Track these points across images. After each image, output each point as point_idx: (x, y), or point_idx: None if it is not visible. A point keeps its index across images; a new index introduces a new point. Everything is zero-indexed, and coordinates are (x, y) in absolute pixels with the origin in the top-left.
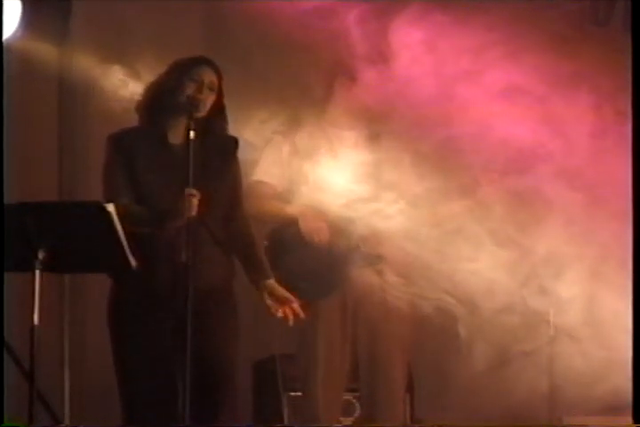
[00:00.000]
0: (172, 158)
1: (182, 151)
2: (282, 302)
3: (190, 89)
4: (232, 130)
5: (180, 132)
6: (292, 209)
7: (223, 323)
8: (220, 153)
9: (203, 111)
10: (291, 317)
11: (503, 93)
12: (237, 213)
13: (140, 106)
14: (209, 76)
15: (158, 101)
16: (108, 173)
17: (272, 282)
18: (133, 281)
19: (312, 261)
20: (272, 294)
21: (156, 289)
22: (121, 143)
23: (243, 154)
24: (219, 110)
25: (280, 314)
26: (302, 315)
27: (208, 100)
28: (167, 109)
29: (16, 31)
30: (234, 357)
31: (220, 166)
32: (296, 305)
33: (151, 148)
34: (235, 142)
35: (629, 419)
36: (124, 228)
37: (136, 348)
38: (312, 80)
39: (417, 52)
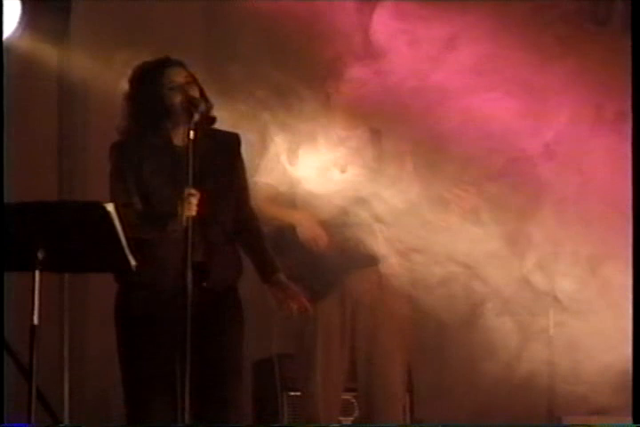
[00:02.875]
0: (177, 160)
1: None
2: (291, 296)
3: (175, 93)
4: (231, 128)
5: (183, 134)
6: (289, 217)
7: (229, 322)
8: (223, 150)
9: (202, 108)
10: (299, 310)
11: (501, 86)
12: (245, 209)
13: (127, 116)
14: (181, 76)
15: (146, 111)
16: (115, 180)
17: (282, 276)
18: (140, 282)
19: (310, 262)
20: (282, 289)
21: (162, 290)
22: (125, 151)
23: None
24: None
25: (289, 308)
26: (310, 309)
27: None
28: (161, 115)
29: (16, 31)
30: (240, 355)
31: (224, 164)
32: (304, 300)
33: (156, 152)
34: (237, 139)
35: (629, 419)
36: (126, 233)
37: (143, 348)
38: (306, 79)
39: (405, 47)
